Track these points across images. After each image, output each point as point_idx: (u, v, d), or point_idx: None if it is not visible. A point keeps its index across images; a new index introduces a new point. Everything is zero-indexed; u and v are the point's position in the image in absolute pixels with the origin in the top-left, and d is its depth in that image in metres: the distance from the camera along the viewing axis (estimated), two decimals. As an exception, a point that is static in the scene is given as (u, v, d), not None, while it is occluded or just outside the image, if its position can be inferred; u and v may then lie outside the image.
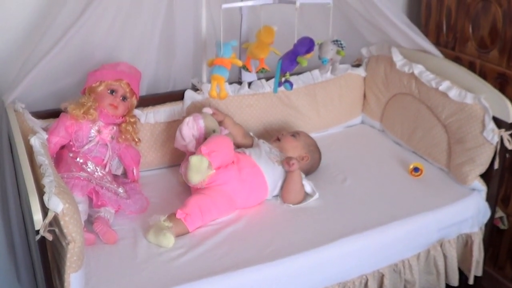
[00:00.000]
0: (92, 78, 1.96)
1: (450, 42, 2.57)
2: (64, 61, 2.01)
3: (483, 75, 2.34)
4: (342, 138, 2.54)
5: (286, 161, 2.01)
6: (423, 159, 2.32)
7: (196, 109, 2.20)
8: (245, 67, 2.16)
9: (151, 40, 2.18)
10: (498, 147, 2.03)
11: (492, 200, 2.13)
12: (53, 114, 1.98)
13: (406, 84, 2.37)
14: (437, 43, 2.56)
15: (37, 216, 1.37)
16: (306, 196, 2.03)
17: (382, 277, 1.92)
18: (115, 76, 1.96)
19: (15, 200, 2.04)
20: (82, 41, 2.02)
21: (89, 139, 1.93)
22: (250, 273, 1.68)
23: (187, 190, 2.02)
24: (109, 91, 1.95)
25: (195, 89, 2.27)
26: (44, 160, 1.57)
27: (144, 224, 1.84)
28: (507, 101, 2.01)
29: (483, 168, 2.08)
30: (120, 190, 1.93)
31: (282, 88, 2.06)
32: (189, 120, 2.04)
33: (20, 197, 1.97)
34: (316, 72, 2.47)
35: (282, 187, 2.04)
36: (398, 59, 2.39)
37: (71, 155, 1.91)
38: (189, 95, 2.23)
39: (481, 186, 2.10)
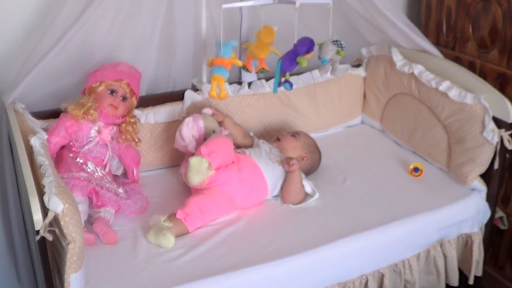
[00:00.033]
0: (92, 78, 1.96)
1: (450, 42, 2.57)
2: (64, 61, 2.01)
3: (483, 75, 2.35)
4: (342, 138, 2.54)
5: (286, 161, 2.01)
6: (423, 159, 2.32)
7: (196, 109, 2.20)
8: (245, 67, 2.16)
9: (151, 40, 2.18)
10: (498, 147, 2.03)
11: (492, 200, 2.13)
12: (53, 114, 1.98)
13: (406, 84, 2.37)
14: (437, 43, 2.56)
15: (37, 216, 1.37)
16: (306, 196, 2.03)
17: (382, 277, 1.92)
18: (115, 77, 1.96)
19: (15, 200, 2.04)
20: (82, 41, 2.02)
21: (89, 139, 1.93)
22: (250, 273, 1.68)
23: (187, 191, 2.02)
24: (109, 92, 1.95)
25: (195, 89, 2.27)
26: (44, 160, 1.57)
27: (144, 225, 1.84)
28: (507, 101, 2.01)
29: (483, 168, 2.08)
30: (120, 190, 1.93)
31: (282, 88, 2.06)
32: (188, 120, 2.04)
33: (20, 197, 1.97)
34: (316, 72, 2.47)
35: (282, 187, 2.04)
36: (398, 59, 2.39)
37: (71, 155, 1.91)
38: (189, 95, 2.23)
39: (481, 186, 2.10)
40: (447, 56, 2.38)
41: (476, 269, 2.12)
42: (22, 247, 2.11)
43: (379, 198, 2.06)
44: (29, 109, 1.92)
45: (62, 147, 1.93)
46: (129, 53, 2.16)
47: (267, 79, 2.36)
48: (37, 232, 1.38)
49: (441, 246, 2.03)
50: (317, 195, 2.03)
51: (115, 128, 1.99)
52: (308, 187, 2.03)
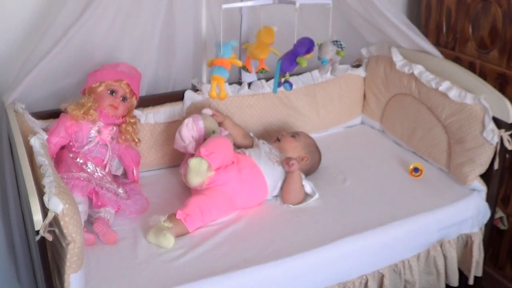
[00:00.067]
0: (92, 78, 1.96)
1: (450, 43, 2.57)
2: (64, 61, 2.01)
3: (483, 75, 2.35)
4: (342, 139, 2.54)
5: (286, 162, 2.01)
6: (423, 159, 2.32)
7: (196, 109, 2.20)
8: (245, 68, 2.16)
9: (151, 40, 2.18)
10: (498, 147, 2.03)
11: (492, 200, 2.12)
12: (53, 114, 1.98)
13: (406, 84, 2.37)
14: (437, 44, 2.56)
15: (37, 216, 1.37)
16: (306, 196, 2.03)
17: (382, 277, 1.92)
18: (115, 77, 1.96)
19: (15, 200, 2.04)
20: (82, 41, 2.02)
21: (89, 139, 1.93)
22: (250, 273, 1.68)
23: (187, 191, 2.02)
24: (109, 92, 1.95)
25: (195, 89, 2.27)
26: (44, 160, 1.57)
27: (144, 225, 1.84)
28: (507, 102, 2.01)
29: (483, 169, 2.08)
30: (120, 190, 1.93)
31: (282, 88, 2.06)
32: (188, 121, 2.04)
33: (20, 197, 1.97)
34: (316, 72, 2.47)
35: (282, 188, 2.04)
36: (398, 59, 2.39)
37: (71, 155, 1.91)
38: (189, 95, 2.23)
39: (481, 187, 2.10)
40: (447, 56, 2.38)
41: (476, 269, 2.12)
42: (22, 247, 2.11)
43: (379, 198, 2.06)
44: (29, 109, 1.92)
45: (62, 147, 1.93)
46: (129, 53, 2.16)
47: (267, 80, 2.36)
48: (37, 232, 1.38)
49: (441, 246, 2.03)
50: (317, 195, 2.03)
51: (115, 128, 1.99)
52: (308, 187, 2.03)
